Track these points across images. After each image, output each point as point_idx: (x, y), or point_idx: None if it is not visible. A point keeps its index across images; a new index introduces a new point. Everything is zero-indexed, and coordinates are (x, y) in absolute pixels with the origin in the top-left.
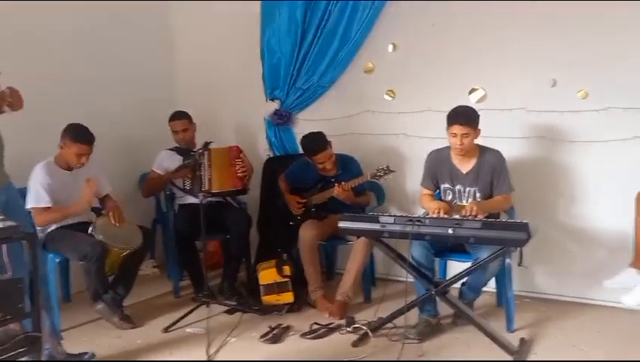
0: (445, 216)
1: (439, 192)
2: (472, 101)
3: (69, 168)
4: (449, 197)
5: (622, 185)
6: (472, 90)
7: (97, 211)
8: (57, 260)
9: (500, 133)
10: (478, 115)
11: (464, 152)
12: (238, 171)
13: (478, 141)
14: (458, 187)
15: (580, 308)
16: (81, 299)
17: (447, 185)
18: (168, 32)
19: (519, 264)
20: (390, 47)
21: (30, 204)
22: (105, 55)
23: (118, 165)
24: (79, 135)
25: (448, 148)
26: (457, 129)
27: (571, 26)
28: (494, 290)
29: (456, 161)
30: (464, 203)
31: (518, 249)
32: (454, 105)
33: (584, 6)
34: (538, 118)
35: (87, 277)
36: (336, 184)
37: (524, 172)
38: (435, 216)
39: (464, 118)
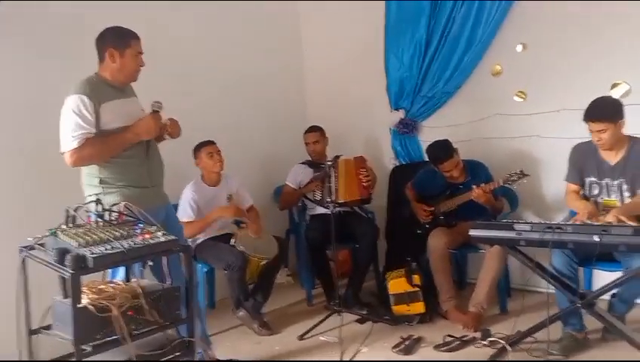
0: (589, 221)
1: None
2: (615, 97)
3: (214, 184)
4: (595, 192)
5: None
6: (615, 85)
7: (238, 224)
8: (205, 270)
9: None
10: (619, 106)
11: (606, 147)
12: (363, 181)
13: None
14: (605, 181)
15: None
16: (224, 306)
17: (593, 179)
18: (298, 50)
19: None
20: (519, 48)
21: (179, 218)
22: (241, 77)
23: (255, 179)
24: (200, 143)
25: None
26: (592, 126)
27: None
28: None
29: (603, 153)
30: (612, 198)
31: None
32: None
33: None
34: None
35: (230, 285)
36: (474, 186)
37: None
38: (579, 222)
39: (595, 113)
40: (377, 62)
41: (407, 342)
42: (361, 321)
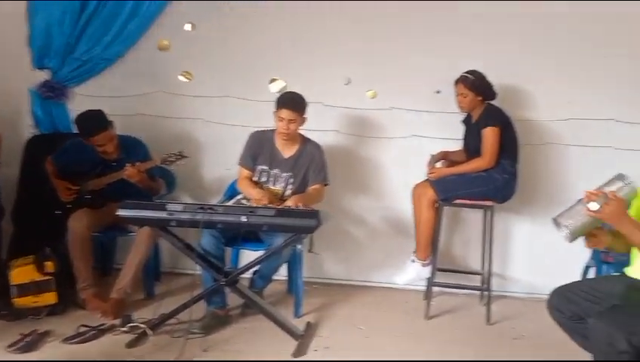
0: (270, 205)
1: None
2: (272, 91)
3: None
4: (263, 179)
5: (403, 179)
6: (273, 80)
7: None
8: None
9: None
10: (306, 104)
11: (289, 137)
12: None
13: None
14: (275, 171)
15: (363, 290)
16: None
17: (264, 167)
18: None
19: (309, 250)
20: (188, 27)
21: None
22: None
23: None
24: None
25: (273, 130)
26: (285, 113)
27: (365, 27)
28: (286, 278)
29: (279, 144)
30: (276, 187)
31: (309, 236)
32: (254, 93)
33: (382, 7)
34: (333, 112)
35: None
36: (128, 164)
37: None
38: (256, 205)
39: (293, 103)
40: (17, 8)
41: (28, 339)
42: None
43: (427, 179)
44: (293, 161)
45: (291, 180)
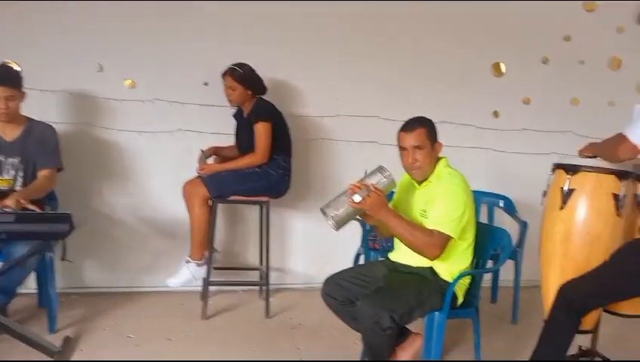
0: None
1: None
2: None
3: None
4: None
5: (170, 176)
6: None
7: None
8: None
9: (40, 116)
10: (22, 76)
11: (9, 118)
12: None
13: None
14: (0, 158)
15: (131, 296)
16: None
17: None
18: None
19: (62, 258)
20: None
21: None
22: None
23: None
24: None
25: None
26: (1, 91)
27: (124, 12)
28: (36, 290)
29: None
30: (6, 177)
31: (61, 242)
32: None
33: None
34: (83, 103)
35: None
36: None
37: (73, 162)
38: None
39: (9, 78)
40: None
41: None
42: None
43: (198, 176)
44: (20, 144)
45: (22, 166)
